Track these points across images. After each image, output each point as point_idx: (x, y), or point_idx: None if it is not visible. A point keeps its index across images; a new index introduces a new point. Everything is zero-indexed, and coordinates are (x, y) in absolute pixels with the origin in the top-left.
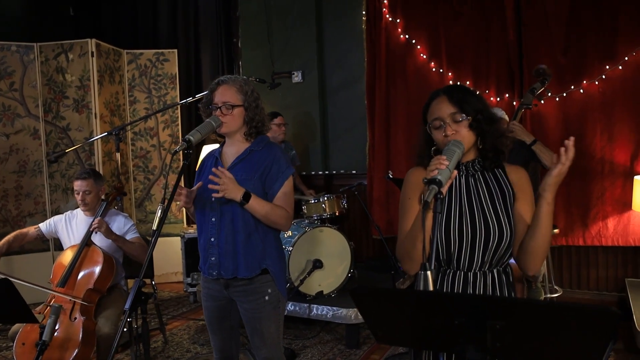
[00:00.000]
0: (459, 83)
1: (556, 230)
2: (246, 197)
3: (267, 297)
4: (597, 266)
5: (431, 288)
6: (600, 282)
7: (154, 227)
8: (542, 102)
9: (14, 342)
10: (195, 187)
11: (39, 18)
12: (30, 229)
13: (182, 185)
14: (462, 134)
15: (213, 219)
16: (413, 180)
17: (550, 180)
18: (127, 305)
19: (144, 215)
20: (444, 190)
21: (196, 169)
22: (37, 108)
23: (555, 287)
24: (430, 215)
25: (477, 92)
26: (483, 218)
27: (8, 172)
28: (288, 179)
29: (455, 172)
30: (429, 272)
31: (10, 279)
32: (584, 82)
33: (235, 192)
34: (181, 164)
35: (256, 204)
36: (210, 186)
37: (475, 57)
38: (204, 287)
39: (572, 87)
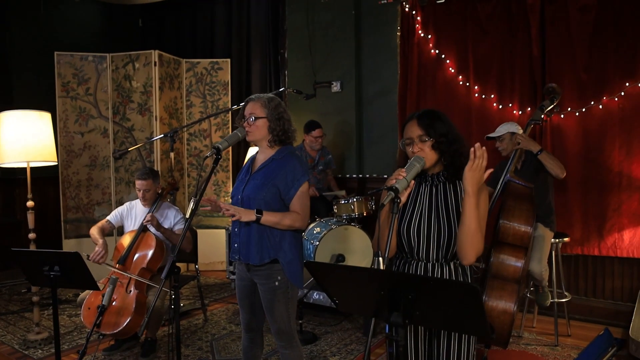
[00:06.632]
0: (483, 96)
1: (567, 239)
2: (258, 218)
3: (277, 283)
4: (612, 276)
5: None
6: (615, 292)
7: (187, 215)
8: (562, 116)
9: (81, 308)
10: (215, 200)
11: (112, 29)
12: (104, 223)
13: (212, 198)
14: (426, 152)
15: None
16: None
17: (465, 175)
18: (163, 275)
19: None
20: (403, 195)
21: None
22: (107, 110)
23: (565, 292)
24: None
25: (445, 116)
26: (437, 220)
27: (81, 166)
28: (302, 185)
29: (413, 182)
30: (380, 258)
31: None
32: (604, 98)
33: (249, 217)
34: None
35: (268, 219)
36: (226, 213)
37: (501, 73)
38: (236, 269)
39: (592, 102)
